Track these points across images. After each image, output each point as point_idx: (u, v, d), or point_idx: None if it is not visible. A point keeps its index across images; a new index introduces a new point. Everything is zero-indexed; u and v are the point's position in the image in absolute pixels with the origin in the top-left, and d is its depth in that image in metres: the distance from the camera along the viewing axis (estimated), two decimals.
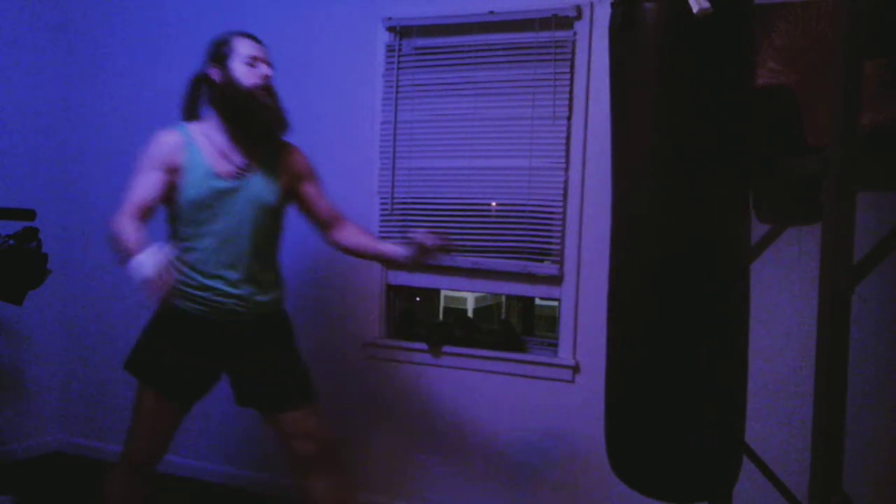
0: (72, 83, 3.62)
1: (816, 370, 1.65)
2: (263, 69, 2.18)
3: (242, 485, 3.29)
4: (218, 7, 3.36)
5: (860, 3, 1.59)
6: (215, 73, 2.16)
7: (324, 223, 2.35)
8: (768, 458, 2.22)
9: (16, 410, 3.49)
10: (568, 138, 2.76)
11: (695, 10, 1.57)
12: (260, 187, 2.18)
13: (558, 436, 2.78)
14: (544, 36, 2.77)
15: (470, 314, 4.56)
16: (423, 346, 2.98)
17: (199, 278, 2.13)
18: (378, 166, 3.04)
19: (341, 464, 2.34)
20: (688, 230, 1.66)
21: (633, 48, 1.68)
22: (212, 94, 2.18)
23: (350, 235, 2.35)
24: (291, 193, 2.29)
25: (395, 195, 3.01)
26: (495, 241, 2.86)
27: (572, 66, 2.75)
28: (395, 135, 2.99)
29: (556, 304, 2.88)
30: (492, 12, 2.84)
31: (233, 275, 2.15)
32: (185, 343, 2.17)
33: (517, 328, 3.25)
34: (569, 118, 2.75)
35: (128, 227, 1.94)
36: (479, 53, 2.87)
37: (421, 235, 2.20)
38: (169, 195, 2.13)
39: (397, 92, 2.99)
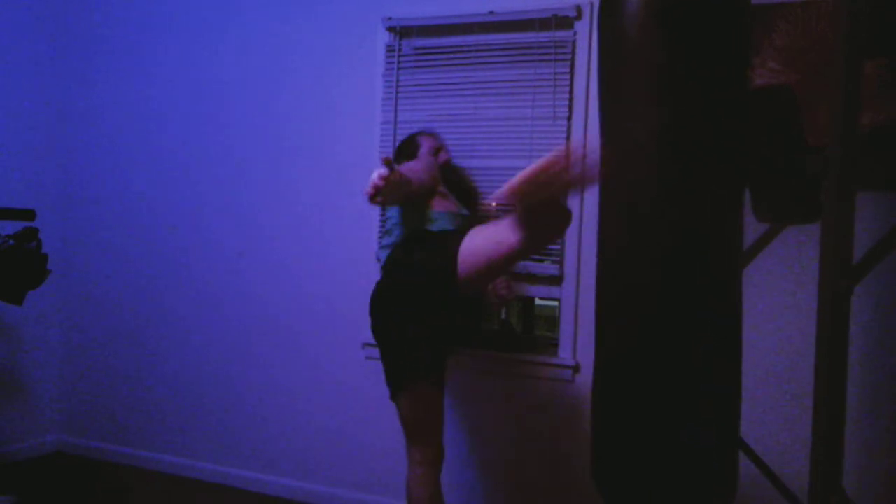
0: (69, 85, 3.62)
1: (816, 370, 1.65)
2: (444, 155, 2.70)
3: (241, 486, 3.29)
4: (216, 10, 3.36)
5: (860, 3, 1.59)
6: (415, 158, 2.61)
7: None
8: (768, 458, 2.22)
9: (16, 410, 3.49)
10: (568, 138, 2.76)
11: None
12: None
13: (558, 435, 2.78)
14: (544, 36, 2.77)
15: None
16: None
17: None
18: (378, 166, 3.03)
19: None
20: (682, 225, 1.66)
21: (622, 38, 1.68)
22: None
23: None
24: None
25: None
26: None
27: (572, 66, 2.75)
28: (395, 135, 2.99)
29: (556, 304, 2.88)
30: (492, 12, 2.84)
31: None
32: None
33: (517, 328, 3.24)
34: (569, 118, 2.76)
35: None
36: (479, 53, 2.87)
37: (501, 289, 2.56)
38: None
39: (397, 92, 2.99)
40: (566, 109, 2.75)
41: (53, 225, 3.57)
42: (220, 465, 3.35)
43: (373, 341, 3.07)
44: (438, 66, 2.95)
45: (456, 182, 2.74)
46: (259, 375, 3.27)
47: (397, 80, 2.98)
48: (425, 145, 2.65)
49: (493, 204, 2.92)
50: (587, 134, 2.74)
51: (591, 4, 2.72)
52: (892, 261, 2.26)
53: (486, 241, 2.03)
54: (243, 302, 3.30)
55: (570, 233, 2.75)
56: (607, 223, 1.78)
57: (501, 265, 2.03)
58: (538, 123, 2.79)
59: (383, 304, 2.27)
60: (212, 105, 3.38)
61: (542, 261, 2.81)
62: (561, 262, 2.77)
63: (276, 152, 3.25)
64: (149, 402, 3.49)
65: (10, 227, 2.69)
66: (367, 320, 3.13)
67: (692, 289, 1.67)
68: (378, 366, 3.09)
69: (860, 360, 2.37)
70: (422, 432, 2.22)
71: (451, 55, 2.92)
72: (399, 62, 2.99)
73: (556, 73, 2.76)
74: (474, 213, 2.67)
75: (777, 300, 2.49)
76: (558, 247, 2.77)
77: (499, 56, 2.85)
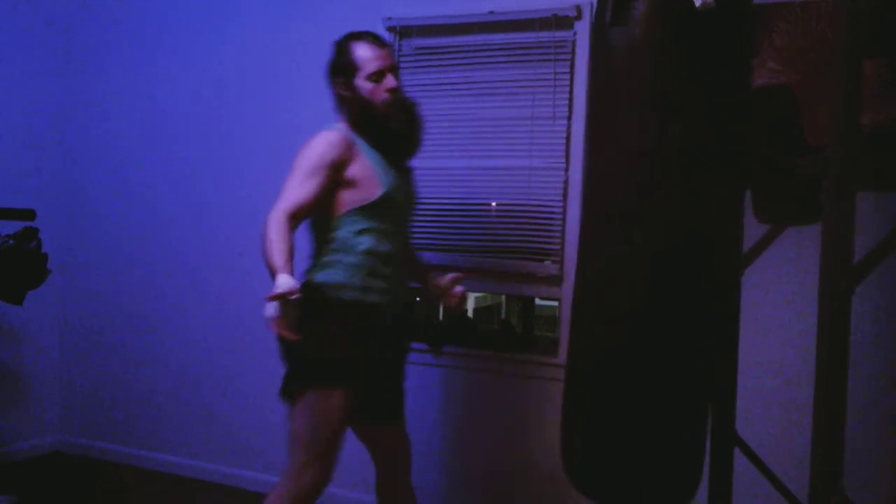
0: (70, 86, 3.62)
1: (816, 370, 1.65)
2: (389, 82, 2.14)
3: (241, 486, 3.29)
4: (216, 9, 3.36)
5: (860, 3, 1.59)
6: (342, 87, 2.17)
7: None
8: (768, 458, 2.21)
9: (16, 410, 3.49)
10: (568, 138, 2.76)
11: (697, 2, 1.57)
12: (411, 185, 2.30)
13: (558, 436, 2.77)
14: (544, 36, 2.77)
15: (470, 314, 4.55)
16: (423, 346, 2.98)
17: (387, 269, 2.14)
18: None
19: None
20: (681, 227, 1.66)
21: (624, 44, 1.67)
22: (343, 103, 2.20)
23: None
24: None
25: None
26: (495, 241, 2.86)
27: (572, 66, 2.74)
28: None
29: (556, 304, 2.88)
30: (492, 12, 2.84)
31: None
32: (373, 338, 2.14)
33: (517, 328, 3.25)
34: (569, 118, 2.75)
35: (284, 236, 1.91)
36: (479, 53, 2.87)
37: (444, 281, 2.31)
38: (352, 194, 2.09)
39: None
40: (566, 109, 2.75)
41: (53, 225, 3.57)
42: (221, 465, 3.35)
43: None
44: (438, 66, 2.95)
45: (396, 131, 2.21)
46: (260, 375, 3.27)
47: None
48: (366, 67, 2.12)
49: (494, 204, 2.92)
50: (587, 134, 2.73)
51: (592, 4, 2.71)
52: (892, 261, 2.26)
53: None
54: (244, 302, 3.30)
55: (570, 233, 2.75)
56: (601, 227, 1.76)
57: None
58: (538, 123, 2.78)
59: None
60: (212, 105, 3.38)
61: (542, 261, 2.81)
62: (561, 262, 2.77)
63: (276, 152, 3.25)
64: (149, 401, 3.49)
65: (10, 227, 2.69)
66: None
67: (690, 291, 1.67)
68: None
69: (860, 360, 2.37)
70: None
71: (451, 55, 2.92)
72: (399, 62, 2.98)
73: (556, 73, 2.76)
74: (406, 175, 2.27)
75: (777, 300, 2.49)
76: (558, 247, 2.77)
77: (499, 56, 2.84)
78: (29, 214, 2.84)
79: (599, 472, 1.73)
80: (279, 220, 1.93)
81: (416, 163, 2.97)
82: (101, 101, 3.58)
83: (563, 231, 2.76)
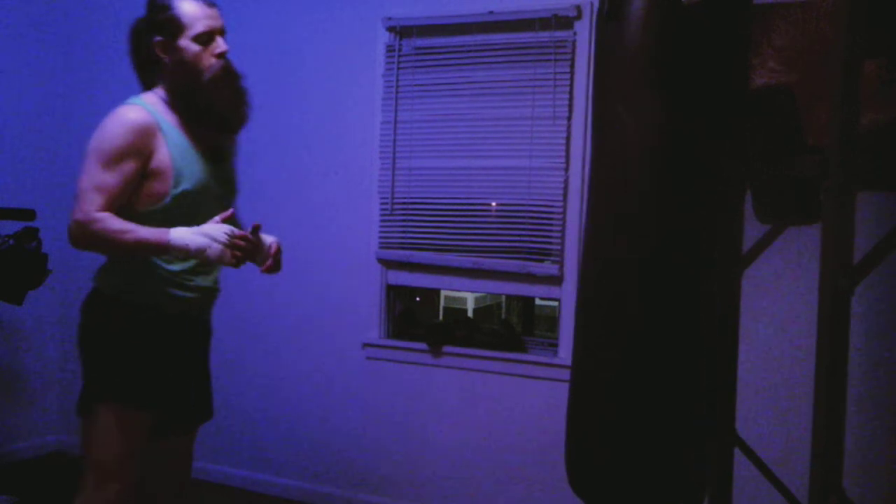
0: (70, 86, 3.62)
1: (816, 370, 1.65)
2: (220, 45, 1.82)
3: (241, 486, 3.29)
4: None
5: (860, 3, 1.59)
6: (162, 49, 1.79)
7: None
8: (768, 458, 2.22)
9: (16, 410, 3.49)
10: (568, 138, 2.76)
11: None
12: (228, 173, 2.00)
13: (558, 436, 2.77)
14: (544, 36, 2.77)
15: (470, 314, 4.55)
16: (423, 346, 2.98)
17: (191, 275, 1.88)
18: (378, 166, 3.03)
19: None
20: (681, 227, 1.66)
21: (619, 40, 1.67)
22: (159, 68, 1.83)
23: None
24: None
25: (395, 195, 3.01)
26: (495, 241, 2.86)
27: (572, 66, 2.74)
28: (395, 135, 2.99)
29: (556, 304, 2.88)
30: (492, 12, 2.84)
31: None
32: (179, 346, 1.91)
33: (517, 328, 3.25)
34: (569, 118, 2.75)
35: (120, 223, 1.69)
36: (479, 53, 2.87)
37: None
38: (149, 186, 1.77)
39: (397, 92, 2.98)
40: (566, 109, 2.75)
41: (53, 225, 3.56)
42: (220, 465, 3.35)
43: (373, 341, 3.08)
44: (438, 65, 2.95)
45: (219, 105, 1.86)
46: (259, 375, 3.27)
47: (397, 80, 2.98)
48: (194, 26, 1.78)
49: (494, 204, 2.92)
50: (587, 134, 2.73)
51: (592, 4, 2.71)
52: (892, 261, 2.26)
53: None
54: (243, 301, 3.29)
55: (570, 233, 2.75)
56: (602, 226, 1.77)
57: None
58: (538, 123, 2.78)
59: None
60: None
61: (542, 261, 2.81)
62: (561, 262, 2.77)
63: (275, 152, 3.25)
64: None
65: (11, 227, 2.69)
66: (368, 320, 3.15)
67: (691, 293, 1.67)
68: (379, 366, 3.10)
69: (860, 359, 2.37)
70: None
71: (451, 55, 2.92)
72: (399, 62, 2.98)
73: (555, 73, 2.75)
74: (222, 162, 1.98)
75: (778, 300, 2.49)
76: (558, 247, 2.77)
77: (499, 56, 2.84)
78: (29, 214, 2.84)
79: (605, 480, 1.73)
80: (89, 229, 1.71)
81: (416, 163, 2.99)
82: (102, 101, 3.56)
83: (562, 231, 2.76)
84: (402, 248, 2.99)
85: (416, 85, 2.97)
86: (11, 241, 2.48)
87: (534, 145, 2.79)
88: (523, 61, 2.80)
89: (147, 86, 1.88)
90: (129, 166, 1.73)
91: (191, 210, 1.80)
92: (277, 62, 3.25)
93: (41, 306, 3.51)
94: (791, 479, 2.18)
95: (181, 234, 1.70)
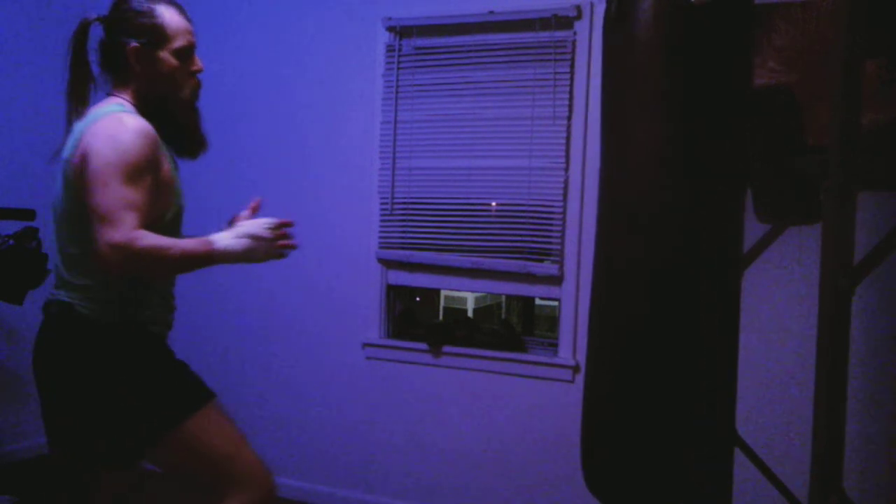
0: None
1: (816, 370, 1.65)
2: (198, 63, 1.75)
3: None
4: (217, 9, 3.36)
5: (860, 3, 1.59)
6: (135, 56, 1.65)
7: None
8: (768, 458, 2.21)
9: (16, 411, 3.49)
10: (568, 138, 2.76)
11: None
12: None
13: (558, 435, 2.78)
14: (544, 36, 2.77)
15: (470, 314, 4.55)
16: (423, 346, 2.98)
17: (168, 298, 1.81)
18: (378, 166, 3.04)
19: None
20: (690, 228, 1.66)
21: (626, 41, 1.68)
22: (126, 74, 1.69)
23: None
24: None
25: (395, 195, 3.01)
26: (495, 241, 2.86)
27: (572, 66, 2.74)
28: (395, 135, 2.99)
29: (556, 304, 2.88)
30: (492, 12, 2.84)
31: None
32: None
33: (517, 328, 3.25)
34: (569, 118, 2.75)
35: (160, 238, 1.54)
36: (479, 53, 2.87)
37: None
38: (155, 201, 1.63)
39: (397, 92, 2.99)
40: (566, 109, 2.75)
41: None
42: None
43: (373, 341, 3.08)
44: (438, 65, 2.95)
45: (185, 126, 1.81)
46: (259, 375, 3.27)
47: (397, 80, 2.98)
48: (177, 39, 1.69)
49: (494, 204, 2.92)
50: (587, 134, 2.73)
51: (592, 4, 2.72)
52: (892, 261, 2.26)
53: None
54: (243, 301, 3.30)
55: (570, 233, 2.75)
56: (609, 227, 1.77)
57: None
58: (538, 123, 2.79)
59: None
60: (212, 105, 3.36)
61: (542, 261, 2.81)
62: (561, 262, 2.77)
63: (275, 152, 3.25)
64: None
65: (11, 227, 2.69)
66: (368, 320, 3.15)
67: (693, 294, 1.67)
68: (379, 365, 3.10)
69: (860, 360, 2.37)
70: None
71: (451, 55, 2.92)
72: (399, 62, 2.98)
73: (555, 73, 2.76)
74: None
75: (777, 300, 2.49)
76: (558, 247, 2.77)
77: (499, 56, 2.84)
78: (29, 214, 2.84)
79: (619, 480, 1.73)
80: (132, 250, 1.47)
81: (416, 163, 2.99)
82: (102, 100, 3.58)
83: (563, 231, 2.76)
84: (402, 248, 3.00)
85: (416, 85, 2.97)
86: (11, 241, 2.48)
87: (534, 145, 2.79)
88: (523, 61, 2.81)
89: (115, 86, 1.73)
90: (148, 179, 1.57)
91: (178, 227, 1.72)
92: (277, 62, 3.25)
93: (41, 306, 3.50)
94: (791, 479, 2.18)
95: (225, 241, 1.60)
